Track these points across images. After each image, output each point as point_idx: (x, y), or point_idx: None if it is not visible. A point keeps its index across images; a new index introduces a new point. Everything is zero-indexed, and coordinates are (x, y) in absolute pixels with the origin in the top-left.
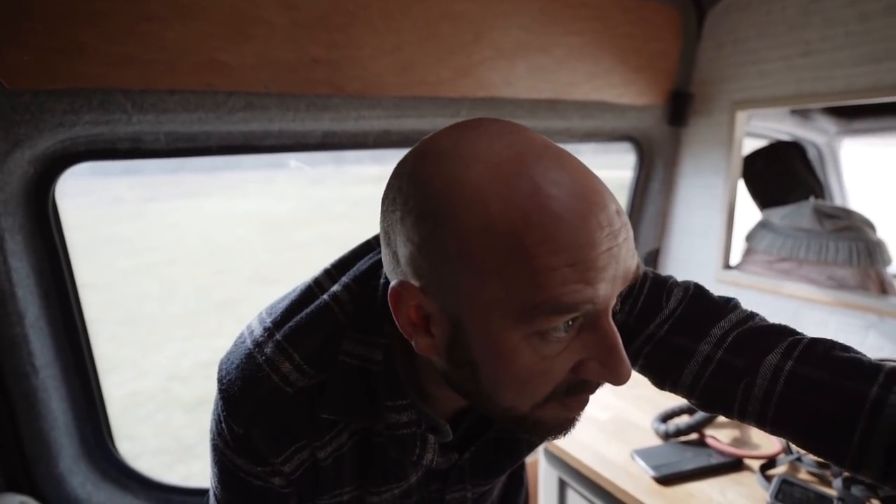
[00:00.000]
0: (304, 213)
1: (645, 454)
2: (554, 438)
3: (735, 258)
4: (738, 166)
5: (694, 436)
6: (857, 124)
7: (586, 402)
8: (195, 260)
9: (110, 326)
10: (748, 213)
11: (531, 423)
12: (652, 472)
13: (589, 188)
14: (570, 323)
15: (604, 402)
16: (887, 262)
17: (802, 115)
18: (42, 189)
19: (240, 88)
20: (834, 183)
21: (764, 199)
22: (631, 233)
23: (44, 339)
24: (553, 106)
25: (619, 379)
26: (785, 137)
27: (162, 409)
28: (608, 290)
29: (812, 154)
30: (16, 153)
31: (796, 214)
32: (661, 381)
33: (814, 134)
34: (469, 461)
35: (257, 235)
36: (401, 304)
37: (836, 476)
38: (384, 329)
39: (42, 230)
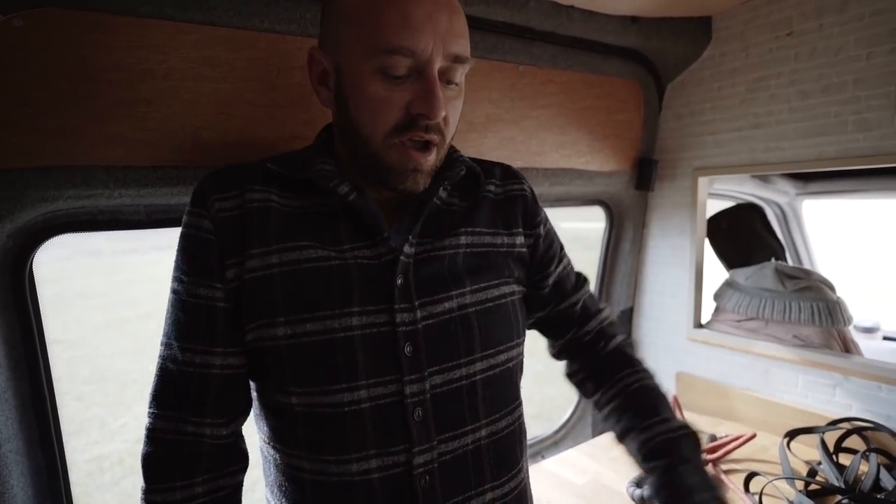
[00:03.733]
0: None
1: None
2: (405, 186)
3: (706, 315)
4: (702, 228)
5: None
6: (813, 187)
7: (418, 142)
8: None
9: (78, 385)
10: (717, 271)
11: (386, 167)
12: None
13: None
14: (403, 71)
15: (581, 466)
16: (847, 321)
17: (762, 178)
18: (20, 261)
19: (221, 163)
20: (798, 239)
21: (729, 259)
22: (460, 23)
23: (9, 412)
24: (523, 173)
25: (431, 108)
26: (749, 198)
27: (129, 475)
28: (427, 46)
29: (776, 213)
30: None
31: (759, 275)
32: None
33: (775, 195)
34: (413, 272)
35: None
36: (312, 66)
37: None
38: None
39: (17, 301)
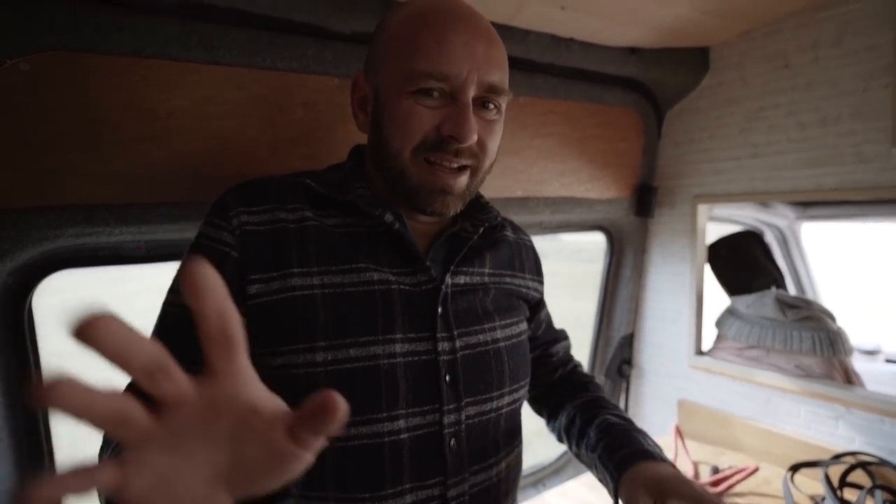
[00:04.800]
0: None
1: None
2: (434, 208)
3: (707, 342)
4: (703, 255)
5: None
6: (812, 211)
7: (448, 167)
8: None
9: None
10: (718, 297)
11: (413, 186)
12: None
13: (469, 12)
14: (436, 94)
15: (583, 499)
16: (848, 351)
17: (762, 202)
18: (19, 298)
19: None
20: (798, 262)
21: (730, 286)
22: (498, 55)
23: (3, 452)
24: (524, 203)
25: (462, 131)
26: (750, 221)
27: None
28: (461, 72)
29: (776, 236)
30: None
31: (760, 303)
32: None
33: (775, 219)
34: (451, 302)
35: None
36: (354, 92)
37: None
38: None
39: (16, 338)
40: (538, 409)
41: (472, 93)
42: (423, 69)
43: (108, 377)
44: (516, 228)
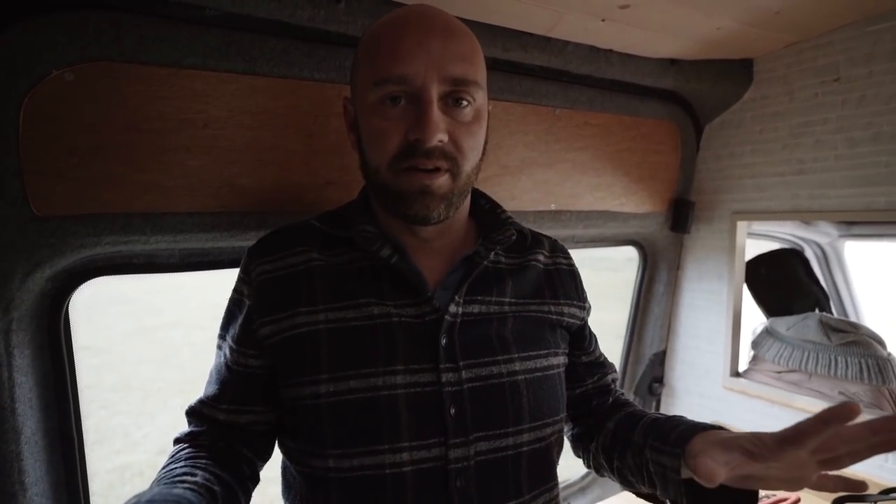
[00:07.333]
0: None
1: None
2: (416, 211)
3: (742, 362)
4: (741, 274)
5: None
6: (857, 229)
7: (423, 169)
8: (198, 323)
9: (105, 393)
10: (754, 313)
11: (396, 194)
12: None
13: (425, 13)
14: (400, 101)
15: None
16: None
17: (804, 220)
18: (57, 303)
19: (255, 209)
20: (840, 282)
21: (769, 306)
22: (459, 48)
23: (37, 454)
24: (557, 216)
25: (423, 131)
26: (788, 237)
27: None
28: (419, 74)
29: (816, 253)
30: (36, 273)
31: (802, 326)
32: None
33: (816, 236)
34: (458, 332)
35: None
36: (345, 115)
37: None
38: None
39: (52, 343)
40: (576, 448)
41: (434, 91)
42: (380, 76)
43: (135, 372)
44: (555, 249)
